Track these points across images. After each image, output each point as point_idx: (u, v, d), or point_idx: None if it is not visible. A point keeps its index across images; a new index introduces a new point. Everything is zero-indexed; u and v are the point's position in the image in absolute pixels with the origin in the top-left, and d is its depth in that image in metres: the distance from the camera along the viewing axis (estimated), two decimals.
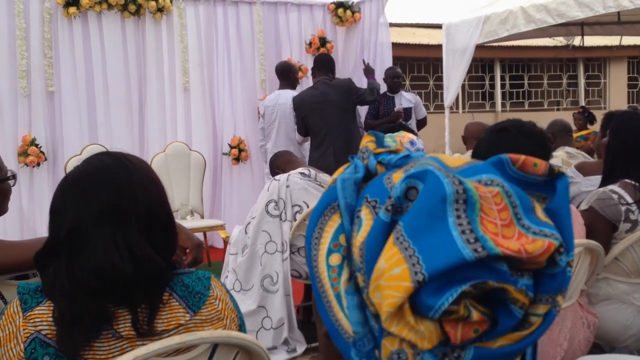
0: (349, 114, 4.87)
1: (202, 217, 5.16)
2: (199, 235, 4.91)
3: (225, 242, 4.65)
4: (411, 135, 3.11)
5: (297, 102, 4.94)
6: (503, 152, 1.90)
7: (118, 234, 1.16)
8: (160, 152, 5.19)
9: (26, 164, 4.98)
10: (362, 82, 6.33)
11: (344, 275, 0.57)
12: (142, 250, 1.17)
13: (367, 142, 0.65)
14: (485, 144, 2.02)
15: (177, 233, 1.73)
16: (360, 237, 0.56)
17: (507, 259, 0.55)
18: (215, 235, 5.29)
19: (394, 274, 0.53)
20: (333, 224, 0.58)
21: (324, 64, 5.09)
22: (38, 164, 5.05)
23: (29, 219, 5.02)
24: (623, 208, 2.23)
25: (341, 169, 0.63)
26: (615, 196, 2.26)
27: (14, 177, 1.80)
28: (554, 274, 0.56)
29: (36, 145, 5.03)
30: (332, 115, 4.78)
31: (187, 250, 1.79)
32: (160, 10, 5.55)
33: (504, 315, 0.57)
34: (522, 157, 0.61)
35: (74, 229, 1.16)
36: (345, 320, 0.57)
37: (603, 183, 2.42)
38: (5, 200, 1.79)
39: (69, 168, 4.54)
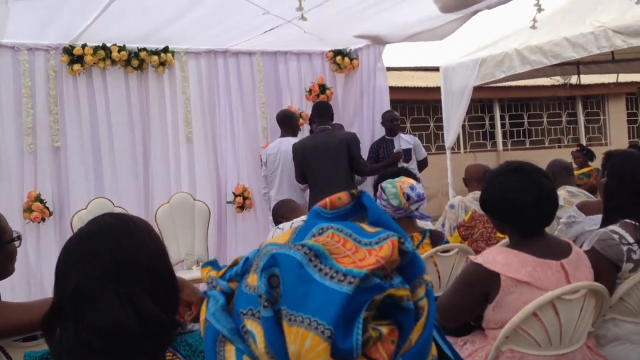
0: (345, 164, 4.93)
1: None
2: (203, 286, 4.90)
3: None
4: (411, 180, 3.15)
5: (297, 149, 5.00)
6: (520, 192, 1.96)
7: (121, 292, 1.18)
8: (165, 203, 5.23)
9: (31, 220, 5.01)
10: (362, 127, 6.42)
11: None
12: (146, 308, 1.18)
13: (206, 273, 0.72)
14: (500, 185, 2.06)
15: (181, 288, 1.75)
16: (260, 344, 0.61)
17: (374, 273, 0.63)
18: None
19: (307, 347, 0.58)
20: (230, 353, 0.63)
21: (321, 111, 5.18)
22: (43, 219, 5.08)
23: (36, 274, 5.02)
24: (625, 248, 2.23)
25: (203, 308, 0.68)
26: (616, 236, 2.26)
27: (19, 238, 1.83)
28: (410, 260, 0.64)
29: (41, 201, 5.07)
30: (331, 163, 4.85)
31: (192, 305, 1.80)
32: (162, 64, 5.69)
33: (402, 314, 0.63)
34: (327, 199, 0.70)
35: (78, 289, 1.18)
36: None
37: (604, 223, 2.43)
38: (11, 262, 1.81)
39: (75, 222, 4.61)
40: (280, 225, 3.36)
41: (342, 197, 0.71)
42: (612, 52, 6.44)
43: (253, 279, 0.63)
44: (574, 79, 8.89)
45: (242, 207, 5.97)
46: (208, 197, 5.76)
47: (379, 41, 6.27)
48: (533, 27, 4.76)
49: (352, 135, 5.13)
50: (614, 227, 2.30)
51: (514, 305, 1.94)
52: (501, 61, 5.89)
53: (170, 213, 5.14)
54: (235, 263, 0.67)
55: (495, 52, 5.92)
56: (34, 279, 4.97)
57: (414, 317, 0.65)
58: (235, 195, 5.97)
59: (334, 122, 5.39)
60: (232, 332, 0.62)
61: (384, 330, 0.62)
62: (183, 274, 4.75)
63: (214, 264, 0.70)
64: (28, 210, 5.01)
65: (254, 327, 0.61)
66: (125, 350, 1.17)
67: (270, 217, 5.45)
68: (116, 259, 1.21)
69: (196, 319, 1.77)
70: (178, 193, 5.44)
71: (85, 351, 1.14)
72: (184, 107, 5.83)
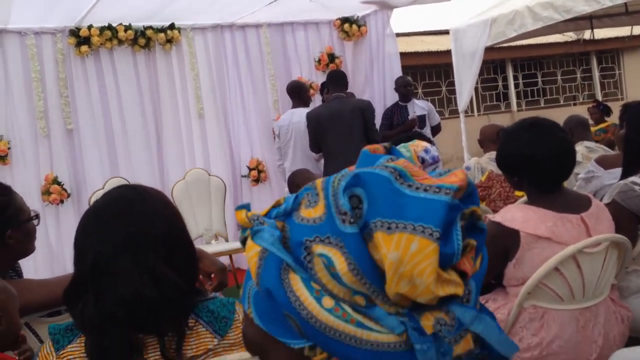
0: (360, 131, 4.88)
1: (226, 240, 5.20)
2: (225, 259, 4.95)
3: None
4: (424, 143, 3.12)
5: (310, 118, 4.98)
6: (538, 146, 1.94)
7: (139, 261, 1.19)
8: (180, 180, 5.26)
9: (50, 203, 5.07)
10: (374, 95, 6.37)
11: (347, 307, 0.59)
12: (164, 275, 1.19)
13: (245, 214, 0.68)
14: (517, 141, 2.04)
15: (201, 259, 1.76)
16: (341, 265, 0.58)
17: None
18: (241, 257, 5.31)
19: (414, 250, 0.56)
20: (296, 281, 0.61)
21: (336, 80, 5.16)
22: (62, 201, 5.14)
23: (58, 256, 5.10)
24: None
25: (250, 243, 0.65)
26: (637, 187, 2.23)
27: (37, 216, 1.85)
28: (471, 191, 0.64)
29: (59, 183, 5.12)
30: (345, 131, 4.82)
31: (212, 275, 1.81)
32: (169, 41, 5.66)
33: (477, 235, 0.63)
34: (373, 146, 0.70)
35: (97, 261, 1.19)
36: (383, 335, 0.59)
37: (623, 175, 2.40)
38: (32, 240, 1.83)
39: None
40: None
41: (378, 148, 0.71)
42: (626, 3, 6.28)
43: (310, 212, 0.62)
44: (587, 34, 8.71)
45: (257, 180, 5.98)
46: (222, 171, 5.78)
47: (386, 6, 6.17)
48: None
49: (367, 102, 5.08)
50: (635, 178, 2.27)
51: (535, 261, 1.93)
52: (512, 19, 5.76)
53: (186, 189, 5.17)
54: (277, 204, 0.67)
55: (505, 11, 5.80)
56: (56, 261, 5.05)
57: (484, 239, 0.65)
58: (250, 169, 5.98)
59: (347, 91, 5.34)
60: (294, 262, 0.61)
61: (470, 242, 0.62)
62: (203, 248, 4.77)
63: (247, 206, 0.71)
64: (46, 192, 5.06)
65: (328, 251, 0.59)
66: (147, 319, 1.18)
67: (286, 189, 5.47)
68: (131, 229, 1.22)
69: (217, 289, 1.79)
70: (193, 169, 5.46)
71: (107, 322, 1.16)
72: (194, 83, 5.81)
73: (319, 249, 0.60)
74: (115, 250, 1.19)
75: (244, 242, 0.67)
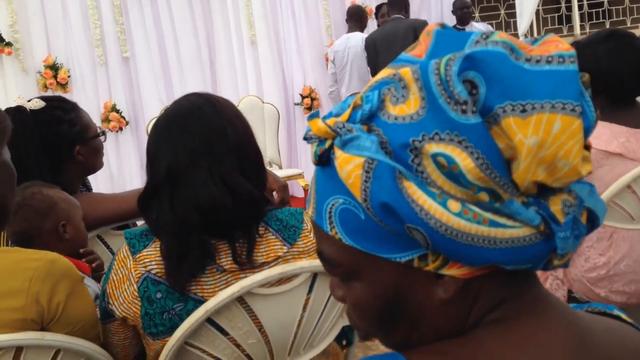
0: None
1: (280, 167, 5.24)
2: None
3: (306, 190, 4.72)
4: None
5: (368, 42, 4.92)
6: (617, 57, 1.81)
7: (213, 169, 1.20)
8: None
9: (110, 130, 5.19)
10: (430, 17, 6.14)
11: (475, 207, 0.53)
12: (237, 183, 1.21)
13: (321, 122, 0.58)
14: (593, 53, 1.92)
15: None
16: (464, 162, 0.52)
17: None
18: (295, 184, 5.36)
19: (557, 131, 0.50)
20: (413, 189, 0.53)
21: (395, 1, 5.02)
22: (121, 129, 5.25)
23: (118, 181, 5.26)
24: None
25: (346, 155, 0.56)
26: None
27: (103, 133, 1.88)
28: None
29: (117, 111, 5.22)
30: (398, 53, 4.68)
31: (275, 192, 1.83)
32: None
33: None
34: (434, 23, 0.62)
35: (172, 169, 1.20)
36: (519, 230, 0.53)
37: None
38: (99, 156, 1.87)
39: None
40: None
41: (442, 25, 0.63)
42: None
43: (402, 109, 0.54)
44: None
45: (309, 108, 5.95)
46: (276, 99, 5.75)
47: None
48: None
49: (422, 21, 4.92)
50: None
51: (606, 178, 1.86)
52: None
53: None
54: (356, 105, 0.59)
55: None
56: (117, 185, 5.21)
57: None
58: (303, 97, 5.94)
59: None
60: (404, 168, 0.54)
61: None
62: None
63: (318, 114, 0.62)
64: (106, 120, 5.17)
65: (445, 148, 0.52)
66: (221, 225, 1.20)
67: None
68: (206, 137, 1.22)
69: (280, 205, 1.81)
70: (247, 97, 5.45)
71: (183, 227, 1.19)
72: (246, 10, 5.72)
73: (432, 148, 0.52)
74: (190, 158, 1.20)
75: (322, 157, 0.58)
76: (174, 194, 1.20)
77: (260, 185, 1.30)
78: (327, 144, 0.57)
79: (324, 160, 0.59)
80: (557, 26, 10.74)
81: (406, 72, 0.55)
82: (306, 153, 5.95)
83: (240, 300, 1.18)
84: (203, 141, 1.21)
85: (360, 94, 0.59)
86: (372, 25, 5.89)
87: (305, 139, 0.61)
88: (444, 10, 6.12)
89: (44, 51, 5.03)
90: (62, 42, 5.10)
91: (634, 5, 11.01)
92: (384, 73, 0.59)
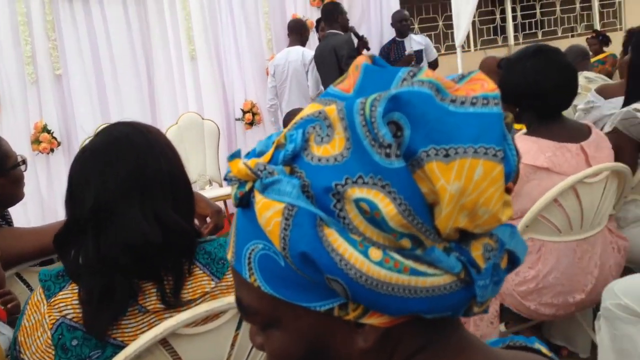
0: (335, 69, 4.74)
1: (220, 185, 5.16)
2: (219, 204, 4.93)
3: None
4: None
5: (314, 55, 4.94)
6: (545, 73, 1.85)
7: (145, 204, 1.13)
8: (173, 124, 5.18)
9: (40, 152, 4.99)
10: (370, 30, 6.20)
11: (396, 255, 0.51)
12: (170, 219, 1.15)
13: (242, 163, 0.55)
14: (522, 70, 1.97)
15: (196, 201, 1.73)
16: (387, 208, 0.50)
17: None
18: None
19: (479, 177, 0.49)
20: (335, 237, 0.51)
21: (326, 14, 5.08)
22: (52, 150, 5.04)
23: (49, 205, 5.05)
24: None
25: (264, 200, 0.53)
26: (639, 114, 2.18)
27: (24, 162, 1.79)
28: None
29: (48, 132, 5.01)
30: (328, 73, 4.74)
31: (208, 218, 1.79)
32: None
33: None
34: (360, 57, 0.60)
35: (99, 203, 1.12)
36: (439, 278, 0.52)
37: (626, 102, 2.34)
38: (19, 187, 1.78)
39: None
40: None
41: (366, 59, 0.61)
42: None
43: (326, 150, 0.52)
44: None
45: (251, 124, 5.89)
46: (216, 115, 5.66)
47: None
48: None
49: (341, 40, 4.86)
50: (637, 104, 2.22)
51: (533, 193, 1.91)
52: None
53: (179, 134, 5.09)
54: (279, 144, 0.56)
55: None
56: (47, 211, 5.00)
57: None
58: (244, 112, 5.88)
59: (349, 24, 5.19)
60: (326, 213, 0.51)
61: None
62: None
63: (239, 154, 0.59)
64: (36, 141, 4.96)
65: (368, 193, 0.50)
66: (149, 264, 1.14)
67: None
68: (138, 170, 1.15)
69: (212, 232, 1.77)
70: (186, 113, 5.36)
71: (107, 267, 1.11)
72: (185, 24, 5.63)
73: (355, 193, 0.50)
74: (120, 192, 1.13)
75: (243, 199, 0.55)
76: (100, 230, 1.12)
77: (191, 218, 1.26)
78: (248, 186, 0.55)
79: (244, 203, 0.56)
80: (492, 37, 11.06)
81: (332, 110, 0.53)
82: None
83: (164, 342, 1.13)
84: (135, 174, 1.14)
85: (284, 132, 0.56)
86: (313, 38, 5.91)
87: (225, 179, 0.59)
88: (383, 23, 6.19)
89: None
90: None
91: (565, 16, 11.46)
92: (310, 109, 0.57)
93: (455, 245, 0.52)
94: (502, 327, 2.18)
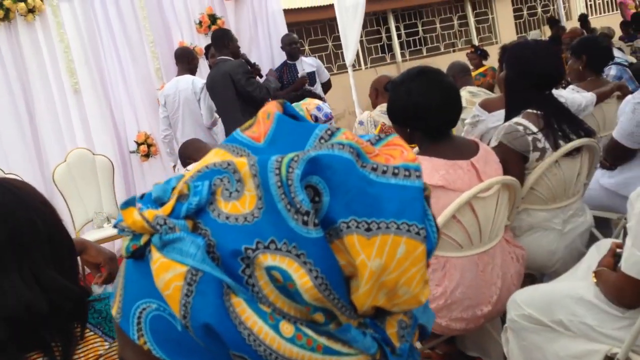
0: (234, 97, 4.70)
1: None
2: (119, 242, 4.70)
3: None
4: (316, 101, 3.07)
5: (206, 82, 4.87)
6: (428, 94, 1.90)
7: (23, 269, 1.02)
8: (62, 162, 4.89)
9: None
10: (260, 55, 6.20)
11: (309, 330, 0.48)
12: (55, 282, 1.04)
13: (137, 214, 0.50)
14: (406, 91, 2.01)
15: (85, 250, 1.61)
16: (301, 280, 0.45)
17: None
18: None
19: (401, 255, 0.46)
20: (243, 307, 0.46)
21: (216, 40, 5.02)
22: None
23: None
24: (530, 138, 2.28)
25: (164, 261, 0.48)
26: (520, 128, 2.30)
27: None
28: None
29: None
30: (221, 99, 4.72)
31: (101, 266, 1.67)
32: (31, 11, 5.16)
33: None
34: (270, 105, 0.57)
35: None
36: (353, 358, 0.48)
37: (507, 116, 2.46)
38: None
39: None
40: (190, 167, 3.21)
41: (277, 106, 0.57)
42: None
43: (235, 207, 0.47)
44: None
45: (147, 155, 5.69)
46: (108, 149, 5.43)
47: None
48: None
49: (234, 64, 4.79)
50: (518, 119, 2.33)
51: (432, 211, 1.94)
52: None
53: (69, 172, 4.82)
54: (181, 194, 0.49)
55: None
56: None
57: None
58: (138, 144, 5.67)
59: (240, 50, 5.16)
60: (233, 279, 0.46)
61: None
62: (94, 233, 4.52)
63: (133, 201, 0.51)
64: None
65: (281, 262, 0.45)
66: (33, 334, 1.03)
67: (172, 163, 5.26)
68: (14, 235, 1.03)
69: (107, 281, 1.65)
70: (75, 149, 5.09)
71: None
72: (65, 56, 5.37)
73: (267, 260, 0.45)
74: None
75: (136, 252, 0.49)
76: None
77: (75, 275, 1.15)
78: (143, 240, 0.48)
79: (137, 256, 0.50)
80: (380, 55, 11.46)
81: (242, 164, 0.47)
82: None
83: None
84: (11, 240, 1.03)
85: (185, 179, 0.50)
86: (204, 65, 5.82)
87: (115, 227, 0.51)
88: (273, 47, 6.22)
89: None
90: None
91: (445, 32, 12.09)
92: (216, 156, 0.51)
93: (370, 321, 0.49)
94: (418, 344, 2.20)
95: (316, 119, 2.96)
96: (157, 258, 0.47)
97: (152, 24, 5.82)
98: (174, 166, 5.27)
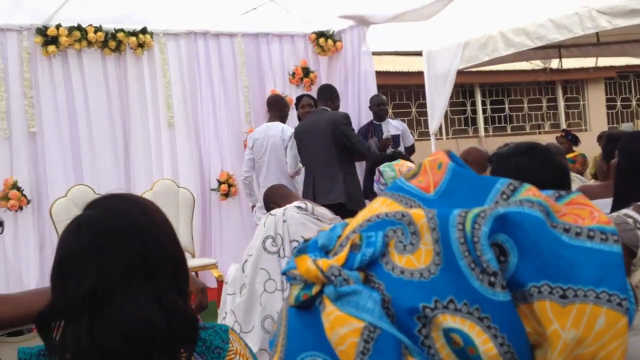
0: (331, 145, 4.73)
1: (193, 256, 5.01)
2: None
3: (219, 281, 4.51)
4: (409, 163, 3.05)
5: (295, 133, 4.98)
6: (539, 172, 1.83)
7: (147, 287, 1.04)
8: (148, 190, 5.06)
9: (8, 209, 4.80)
10: (347, 112, 6.29)
11: None
12: (174, 303, 1.05)
13: (311, 262, 0.49)
14: (515, 166, 1.95)
15: None
16: (484, 346, 0.42)
17: None
18: (208, 274, 5.13)
19: (601, 328, 0.43)
20: None
21: (324, 92, 5.21)
22: (20, 208, 4.88)
23: (14, 265, 4.82)
24: None
25: (339, 313, 0.44)
26: (630, 220, 2.19)
27: (0, 224, 1.68)
28: None
29: (18, 189, 4.86)
30: (316, 146, 4.76)
31: (192, 295, 1.68)
32: (141, 45, 5.49)
33: None
34: (438, 154, 0.57)
35: (96, 287, 1.02)
36: None
37: (615, 207, 2.35)
38: None
39: (55, 210, 4.43)
40: (273, 212, 3.24)
41: (442, 156, 0.55)
42: (597, 33, 6.40)
43: (410, 261, 0.45)
44: (554, 63, 8.88)
45: (226, 195, 5.82)
46: (191, 184, 5.60)
47: (363, 21, 6.15)
48: None
49: (340, 114, 4.89)
50: (628, 210, 2.23)
51: None
52: (485, 44, 5.83)
53: (154, 200, 4.91)
54: (353, 244, 0.48)
55: (478, 35, 5.86)
56: (11, 271, 4.77)
57: None
58: (220, 183, 5.82)
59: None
60: (408, 339, 0.43)
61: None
62: None
63: (306, 249, 0.50)
64: (5, 198, 4.80)
65: (461, 324, 0.41)
66: (147, 351, 1.03)
67: (251, 203, 5.33)
68: (141, 250, 1.06)
69: (197, 311, 1.66)
70: (161, 180, 5.27)
71: (101, 353, 1.00)
72: (165, 91, 5.65)
73: (446, 321, 0.42)
74: (120, 276, 1.03)
75: (306, 302, 0.48)
76: (96, 316, 1.02)
77: (188, 299, 1.16)
78: (315, 290, 0.48)
79: (305, 306, 0.48)
80: (463, 127, 11.41)
81: (419, 216, 0.46)
82: (221, 242, 5.77)
83: None
84: (140, 257, 1.05)
85: (355, 230, 0.49)
86: (292, 115, 5.97)
87: (284, 274, 0.50)
88: (361, 105, 6.31)
89: None
90: None
91: (532, 113, 11.94)
92: (383, 206, 0.50)
93: None
94: None
95: None
96: (331, 310, 0.46)
97: (248, 70, 6.07)
98: (253, 207, 5.35)
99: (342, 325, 0.45)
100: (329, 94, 5.17)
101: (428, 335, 0.44)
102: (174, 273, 1.10)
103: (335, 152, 4.73)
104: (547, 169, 1.95)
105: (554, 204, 0.48)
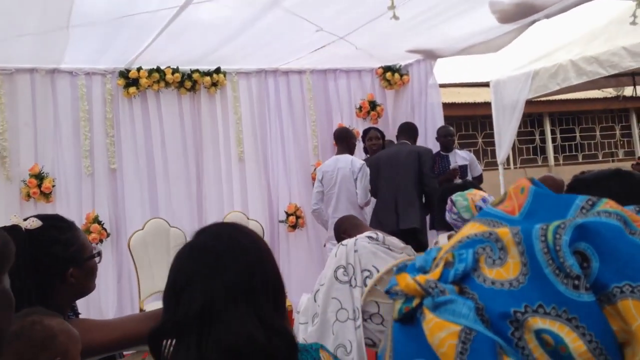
0: (413, 175, 5.08)
1: None
2: None
3: (288, 310, 4.56)
4: (482, 193, 3.03)
5: (372, 161, 5.21)
6: (626, 197, 1.81)
7: (252, 309, 1.11)
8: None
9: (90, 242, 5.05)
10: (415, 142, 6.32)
11: None
12: (274, 322, 1.12)
13: (411, 279, 0.53)
14: (601, 192, 1.92)
15: None
16: (575, 344, 0.46)
17: None
18: None
19: None
20: None
21: (407, 129, 5.58)
22: (101, 241, 5.13)
23: (94, 295, 5.03)
24: None
25: (440, 325, 0.50)
26: None
27: (99, 254, 1.79)
28: None
29: (99, 222, 5.12)
30: (396, 175, 5.05)
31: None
32: (214, 84, 5.73)
33: None
34: (523, 181, 0.59)
35: (207, 306, 1.10)
36: None
37: None
38: (92, 278, 1.77)
39: (133, 243, 4.62)
40: (344, 242, 3.28)
41: (527, 185, 0.60)
42: None
43: (499, 273, 0.51)
44: (627, 91, 8.61)
45: (294, 226, 5.92)
46: (260, 216, 5.74)
47: (431, 55, 6.18)
48: (633, 22, 4.51)
49: (427, 148, 5.31)
50: None
51: None
52: (555, 73, 5.74)
53: None
54: (447, 261, 0.54)
55: (548, 64, 5.78)
56: (92, 300, 4.99)
57: None
58: (288, 214, 5.92)
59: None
60: (503, 340, 0.48)
61: None
62: None
63: (405, 268, 0.56)
64: (86, 231, 5.06)
65: (551, 325, 0.46)
66: None
67: (329, 233, 5.38)
68: (246, 273, 1.13)
69: None
70: (232, 212, 5.43)
71: None
72: (236, 127, 5.85)
73: (537, 323, 0.47)
74: (228, 296, 1.10)
75: (407, 314, 0.53)
76: (203, 333, 1.09)
77: (285, 318, 1.22)
78: (415, 302, 0.53)
79: (407, 319, 0.53)
80: (532, 156, 11.17)
81: (505, 233, 0.50)
82: (289, 272, 5.84)
83: None
84: (246, 280, 1.12)
85: (448, 249, 0.54)
86: (358, 147, 6.03)
87: (387, 292, 0.55)
88: (428, 137, 6.31)
89: (31, 160, 5.02)
90: (50, 152, 5.10)
91: (605, 141, 11.55)
92: (472, 229, 0.55)
93: None
94: None
95: (480, 210, 2.92)
96: (430, 318, 0.51)
97: (316, 105, 6.20)
98: (324, 245, 5.39)
99: (440, 330, 0.49)
100: (412, 132, 5.56)
101: (521, 337, 0.47)
102: (274, 294, 1.16)
103: (415, 183, 5.07)
104: (638, 192, 1.91)
105: (632, 214, 0.52)
